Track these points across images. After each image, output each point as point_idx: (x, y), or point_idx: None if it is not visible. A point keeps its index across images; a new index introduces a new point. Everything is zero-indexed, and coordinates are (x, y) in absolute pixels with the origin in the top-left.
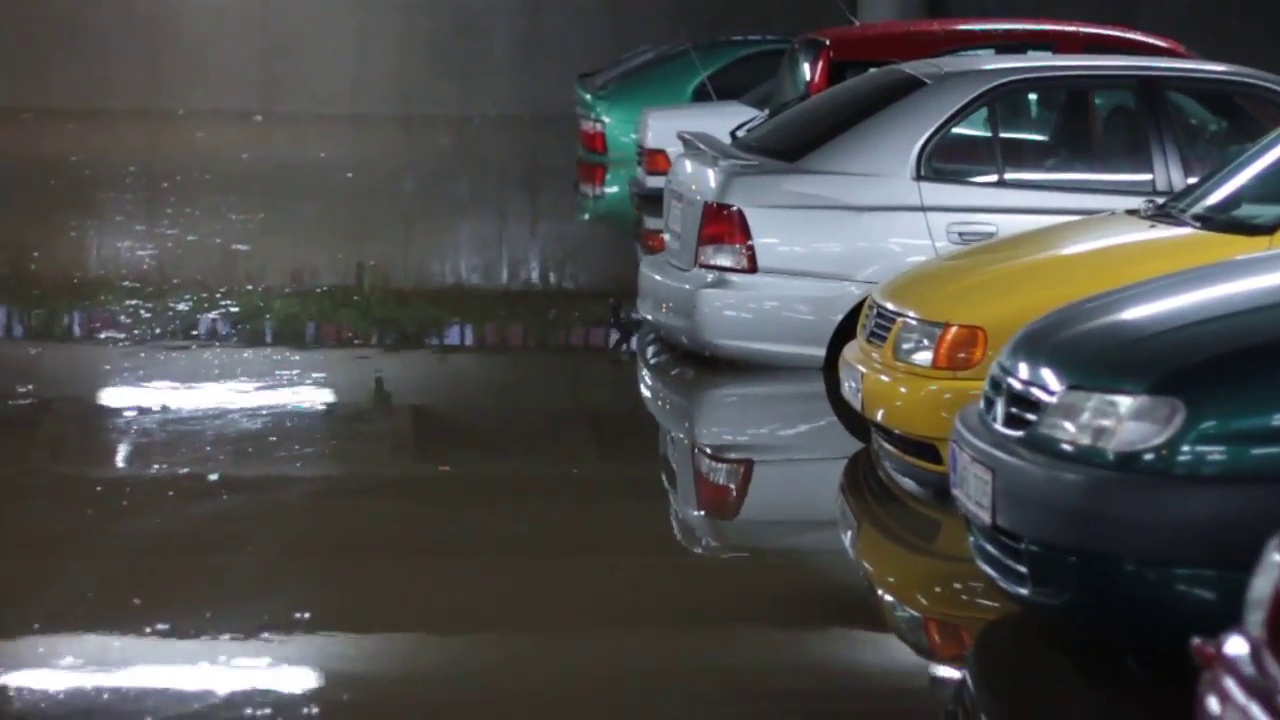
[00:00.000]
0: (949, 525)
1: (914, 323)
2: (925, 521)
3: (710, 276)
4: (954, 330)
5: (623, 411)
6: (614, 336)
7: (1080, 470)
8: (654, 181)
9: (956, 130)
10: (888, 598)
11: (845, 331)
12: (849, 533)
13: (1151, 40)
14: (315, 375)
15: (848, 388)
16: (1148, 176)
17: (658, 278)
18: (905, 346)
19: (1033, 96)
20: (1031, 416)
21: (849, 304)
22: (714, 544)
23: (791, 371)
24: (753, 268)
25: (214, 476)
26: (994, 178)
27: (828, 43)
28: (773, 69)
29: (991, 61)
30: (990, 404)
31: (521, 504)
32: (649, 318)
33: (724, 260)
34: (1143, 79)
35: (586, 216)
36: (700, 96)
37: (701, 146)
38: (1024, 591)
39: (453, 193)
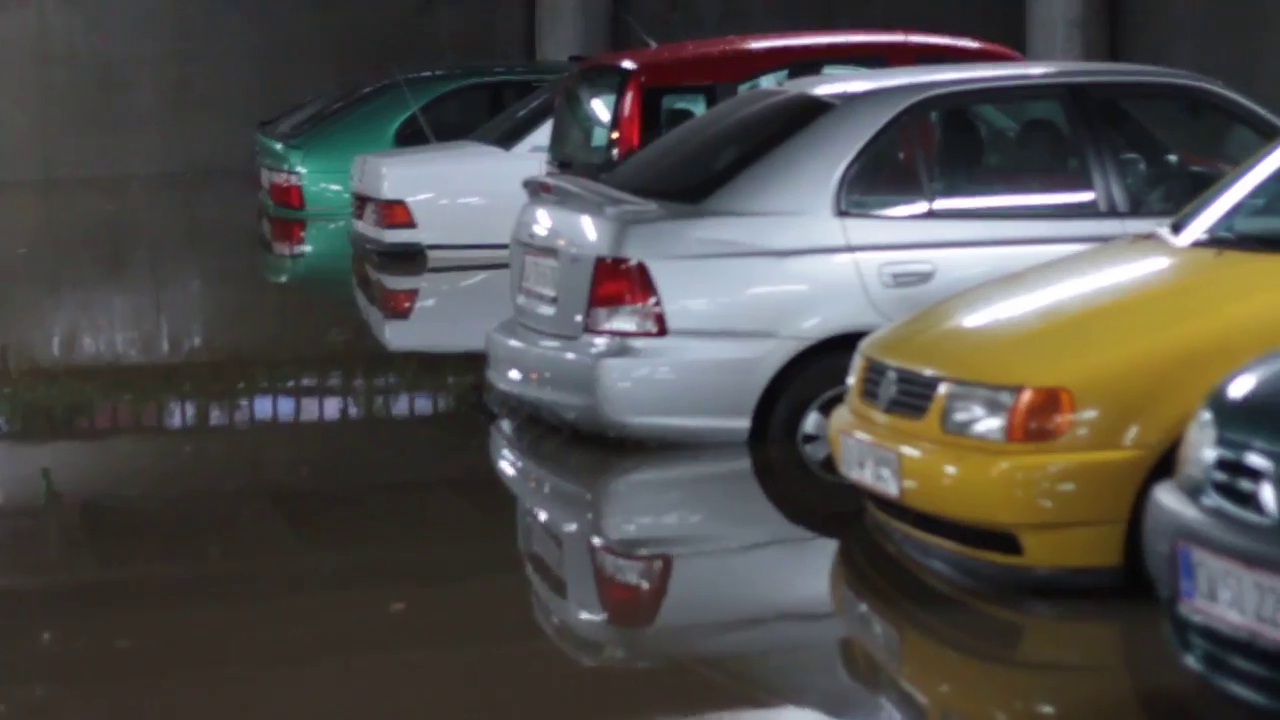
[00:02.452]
0: (1034, 629)
1: (967, 388)
2: (996, 624)
3: (606, 344)
4: (1029, 394)
5: (485, 496)
6: (453, 407)
7: None
8: (394, 236)
9: (875, 157)
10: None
11: (771, 398)
12: (880, 637)
13: (988, 47)
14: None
15: (868, 471)
16: (1088, 196)
17: (518, 344)
18: (959, 417)
19: (952, 114)
20: None
21: (775, 365)
22: (656, 651)
23: (707, 449)
24: (661, 330)
25: None
26: (923, 209)
27: (633, 68)
28: (479, 104)
29: (897, 77)
30: (1232, 491)
31: (383, 607)
32: (513, 392)
33: (625, 324)
34: (1071, 87)
35: (285, 279)
36: (404, 139)
37: (575, 190)
38: None
39: (142, 262)
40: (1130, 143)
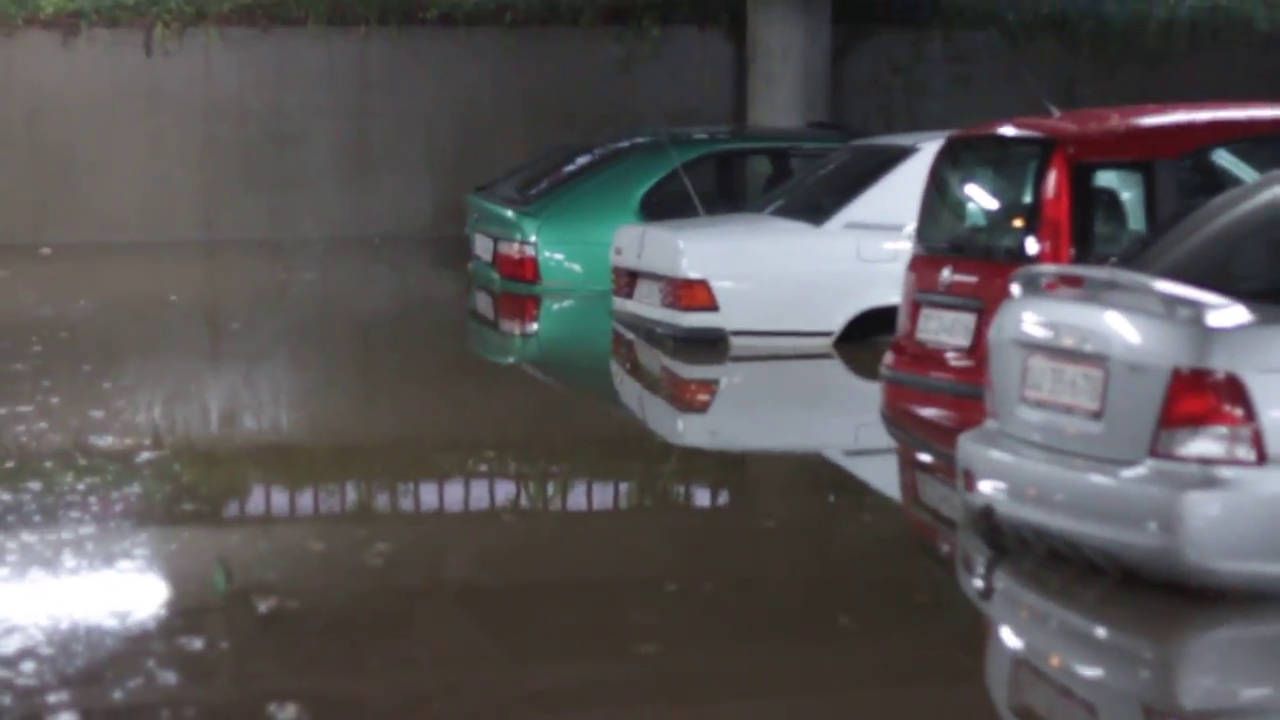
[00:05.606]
0: None
1: None
2: None
3: (1186, 472)
4: None
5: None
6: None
7: None
8: (692, 319)
9: None
10: None
11: None
12: None
13: None
14: None
15: None
16: None
17: (1026, 463)
18: None
19: None
20: None
21: None
22: None
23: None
24: (1261, 458)
25: None
26: None
27: (1058, 140)
28: (717, 172)
29: None
30: None
31: None
32: (1026, 520)
33: (1211, 448)
34: None
35: (537, 365)
36: (650, 208)
37: (1121, 283)
38: None
39: (340, 338)
40: None
